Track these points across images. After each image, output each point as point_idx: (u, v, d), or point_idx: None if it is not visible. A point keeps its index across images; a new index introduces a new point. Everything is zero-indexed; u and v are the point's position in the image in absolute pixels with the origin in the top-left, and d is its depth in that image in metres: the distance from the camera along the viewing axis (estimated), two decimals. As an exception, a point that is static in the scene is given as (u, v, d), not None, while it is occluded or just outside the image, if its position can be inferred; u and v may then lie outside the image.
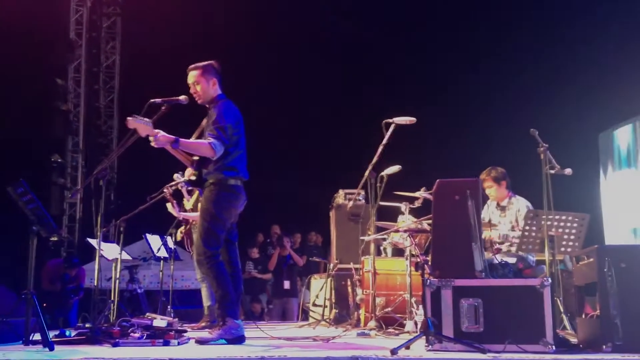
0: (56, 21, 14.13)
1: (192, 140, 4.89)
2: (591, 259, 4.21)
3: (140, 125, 4.66)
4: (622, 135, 10.86)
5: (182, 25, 12.88)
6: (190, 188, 7.45)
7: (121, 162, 13.98)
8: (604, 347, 3.83)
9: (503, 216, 6.38)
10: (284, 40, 13.23)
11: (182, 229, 7.42)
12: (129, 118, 4.68)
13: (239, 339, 4.65)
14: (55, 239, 12.32)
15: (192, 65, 5.06)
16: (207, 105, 5.00)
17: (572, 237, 5.33)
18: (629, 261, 3.98)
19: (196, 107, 5.07)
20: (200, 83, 4.97)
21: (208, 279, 4.81)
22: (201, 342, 4.60)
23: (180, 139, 4.72)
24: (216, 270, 4.73)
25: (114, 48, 15.04)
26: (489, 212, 6.46)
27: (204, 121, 5.02)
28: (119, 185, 14.33)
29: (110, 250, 8.19)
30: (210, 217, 4.78)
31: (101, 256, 6.02)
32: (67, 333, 4.76)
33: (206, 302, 7.16)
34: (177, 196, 7.38)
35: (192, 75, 5.02)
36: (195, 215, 7.15)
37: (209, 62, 5.09)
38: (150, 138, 4.67)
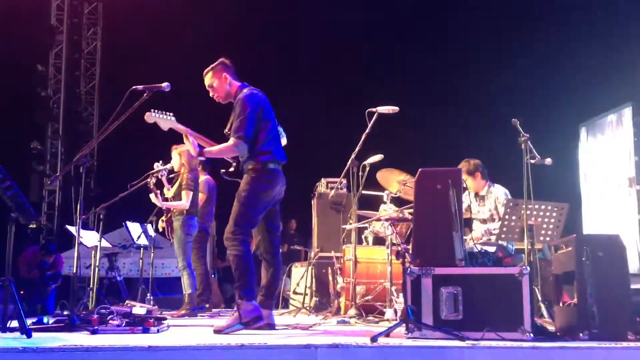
0: (37, 6, 13.96)
1: (215, 148, 4.89)
2: (569, 248, 4.24)
3: (160, 119, 4.83)
4: (603, 125, 10.94)
5: (164, 11, 12.77)
6: (171, 176, 7.42)
7: (101, 149, 13.86)
8: (581, 334, 3.86)
9: (482, 205, 6.43)
10: (266, 28, 13.19)
11: (163, 217, 7.39)
12: (147, 113, 4.80)
13: (256, 319, 4.61)
14: (34, 226, 12.21)
15: (205, 70, 5.07)
16: (232, 101, 5.01)
17: (551, 226, 5.38)
18: (606, 250, 4.01)
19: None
20: (213, 84, 5.01)
21: (230, 258, 4.81)
22: (218, 331, 4.50)
23: (205, 149, 4.85)
24: (240, 250, 4.73)
25: (95, 34, 14.91)
26: (467, 200, 6.50)
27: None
28: (98, 172, 14.23)
29: (90, 238, 8.14)
30: (243, 200, 4.78)
31: (80, 243, 5.98)
32: (45, 320, 4.72)
33: (187, 289, 7.14)
34: (158, 186, 7.35)
35: (206, 80, 5.06)
36: (177, 204, 7.14)
37: (218, 61, 5.06)
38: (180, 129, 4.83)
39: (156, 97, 4.76)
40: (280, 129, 5.23)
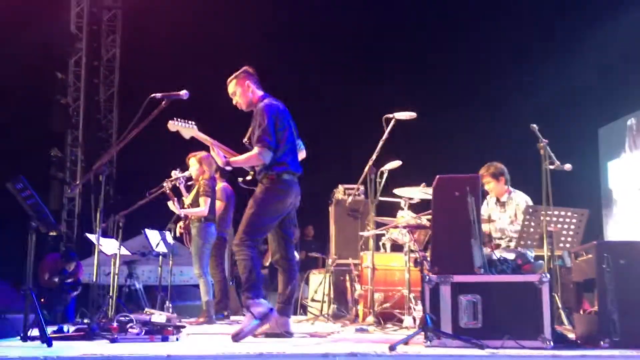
0: (57, 14, 14.09)
1: (241, 157, 4.94)
2: (590, 255, 4.20)
3: (182, 128, 4.97)
4: (621, 129, 10.85)
5: (183, 18, 12.84)
6: (189, 183, 7.45)
7: (121, 157, 13.96)
8: (602, 343, 3.83)
9: (503, 211, 6.38)
10: (284, 34, 13.21)
11: (180, 223, 7.42)
12: (170, 121, 4.94)
13: (267, 315, 4.67)
14: (54, 233, 12.32)
15: (229, 79, 5.14)
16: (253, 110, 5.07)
17: (570, 232, 5.33)
18: (628, 257, 3.98)
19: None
20: (236, 93, 5.09)
21: (238, 263, 4.88)
22: (235, 336, 4.56)
23: (231, 159, 4.93)
24: (247, 254, 4.80)
25: (114, 41, 14.99)
26: (488, 208, 6.45)
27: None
28: (118, 180, 14.31)
29: (109, 246, 8.19)
30: (255, 208, 4.86)
31: (100, 251, 6.02)
32: (65, 329, 4.75)
33: (204, 297, 7.15)
34: (176, 193, 7.39)
35: (229, 88, 5.13)
36: (195, 211, 7.17)
37: (242, 69, 5.13)
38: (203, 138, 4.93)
39: (175, 105, 4.80)
40: (300, 142, 5.25)
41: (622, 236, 10.15)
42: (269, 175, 4.89)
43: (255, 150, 4.84)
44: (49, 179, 13.60)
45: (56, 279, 9.72)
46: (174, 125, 4.98)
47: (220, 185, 7.70)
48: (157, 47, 12.86)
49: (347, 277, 7.46)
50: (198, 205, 7.19)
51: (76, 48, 14.44)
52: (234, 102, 5.14)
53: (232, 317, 7.91)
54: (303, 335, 5.05)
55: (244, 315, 8.45)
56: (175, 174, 7.29)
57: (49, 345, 3.92)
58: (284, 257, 5.04)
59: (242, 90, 5.06)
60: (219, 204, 7.52)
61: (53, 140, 13.99)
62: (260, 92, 5.09)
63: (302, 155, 5.30)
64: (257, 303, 4.71)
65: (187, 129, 5.02)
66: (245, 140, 5.06)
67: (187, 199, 7.32)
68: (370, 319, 6.05)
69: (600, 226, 10.88)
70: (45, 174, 13.53)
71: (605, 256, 3.96)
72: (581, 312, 4.39)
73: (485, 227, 6.09)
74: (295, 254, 8.20)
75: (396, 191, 6.40)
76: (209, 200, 7.19)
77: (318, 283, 8.02)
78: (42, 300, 8.32)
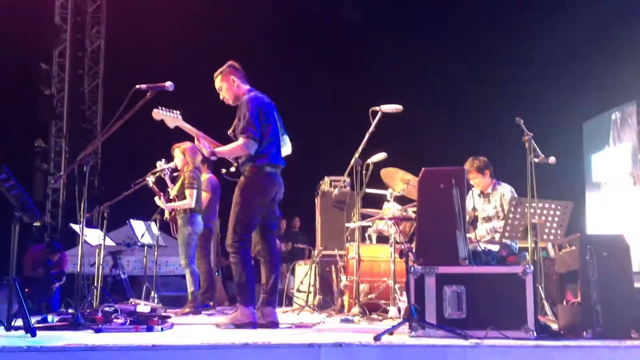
0: (41, 5, 13.97)
1: (226, 148, 4.96)
2: (573, 247, 4.24)
3: (167, 117, 4.97)
4: (605, 123, 10.92)
5: (168, 10, 12.77)
6: (175, 174, 7.43)
7: (105, 148, 13.89)
8: (585, 333, 3.87)
9: (487, 203, 6.42)
10: (269, 25, 13.18)
11: (167, 214, 7.41)
12: (154, 110, 4.93)
13: (248, 325, 4.72)
14: (39, 224, 12.24)
15: (215, 73, 5.16)
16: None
17: (555, 225, 5.36)
18: (610, 250, 4.03)
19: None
20: (222, 88, 5.11)
21: (232, 265, 4.94)
22: (217, 326, 4.77)
23: (216, 150, 4.94)
24: (238, 257, 4.88)
25: (99, 33, 14.90)
26: (471, 200, 6.49)
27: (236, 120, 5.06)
28: (102, 171, 14.24)
29: (94, 236, 8.16)
30: (239, 204, 4.90)
31: (84, 242, 5.99)
32: (50, 319, 4.73)
33: (190, 287, 7.15)
34: (161, 184, 7.37)
35: (215, 83, 5.16)
36: (181, 204, 7.15)
37: (227, 64, 5.14)
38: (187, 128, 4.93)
39: (160, 96, 4.78)
40: (286, 137, 5.26)
41: (605, 228, 10.24)
42: (251, 167, 4.91)
43: (240, 141, 4.85)
44: (33, 169, 13.51)
45: (40, 270, 9.65)
46: (158, 113, 4.98)
47: (206, 176, 7.68)
48: (141, 39, 12.78)
49: (333, 268, 7.48)
50: (184, 197, 7.17)
51: (60, 39, 14.32)
52: (220, 97, 5.16)
53: (218, 307, 7.91)
54: (289, 326, 5.06)
55: (229, 305, 8.50)
56: (160, 164, 7.26)
57: (33, 335, 3.91)
58: (266, 249, 5.08)
59: (227, 86, 5.09)
60: (204, 195, 7.51)
61: (37, 131, 13.90)
62: (245, 86, 5.11)
63: (288, 150, 5.30)
64: (242, 310, 4.79)
65: (172, 118, 5.02)
66: (230, 132, 5.06)
67: (173, 190, 7.29)
68: (356, 309, 6.07)
69: (584, 218, 10.96)
70: (30, 164, 13.44)
71: (589, 248, 4.00)
72: (564, 303, 4.44)
73: (473, 235, 6.16)
74: (279, 244, 8.21)
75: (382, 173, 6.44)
76: (194, 192, 7.18)
77: (304, 274, 8.03)
78: (26, 290, 8.27)
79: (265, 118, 4.92)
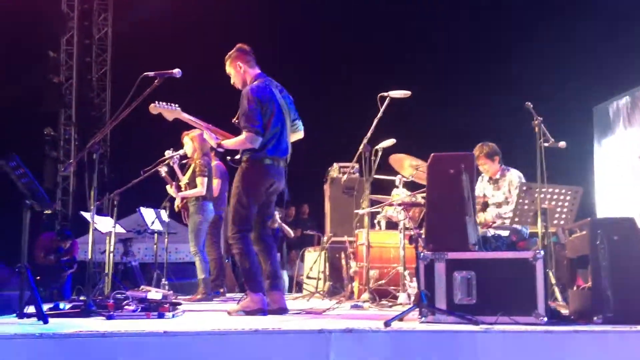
0: (48, -7, 13.96)
1: (232, 141, 4.92)
2: (584, 232, 4.22)
3: (164, 110, 4.96)
4: (616, 108, 10.86)
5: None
6: (184, 162, 7.44)
7: (114, 135, 13.92)
8: (595, 318, 3.86)
9: (496, 189, 6.41)
10: (278, 12, 13.13)
11: (178, 202, 7.44)
12: (151, 105, 4.93)
13: (258, 311, 4.72)
14: (49, 212, 12.30)
15: (225, 57, 5.13)
16: None
17: (565, 209, 5.34)
18: (621, 234, 3.99)
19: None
20: (231, 74, 5.09)
21: (235, 255, 5.00)
22: (227, 313, 4.81)
23: (223, 142, 4.93)
24: (240, 248, 4.88)
25: (106, 20, 14.88)
26: (482, 185, 6.48)
27: None
28: (112, 158, 14.28)
29: (104, 224, 8.19)
30: (236, 196, 4.91)
31: (95, 229, 6.02)
32: (62, 306, 4.76)
33: (200, 274, 7.18)
34: (171, 174, 7.39)
35: (226, 68, 5.13)
36: (192, 192, 7.18)
37: (235, 48, 5.09)
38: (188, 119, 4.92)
39: (168, 83, 4.77)
40: (298, 122, 5.18)
41: (615, 212, 10.20)
42: (247, 159, 4.89)
43: (243, 135, 4.83)
44: (43, 157, 13.56)
45: (52, 257, 9.72)
46: (155, 108, 4.97)
47: (214, 163, 7.69)
48: (149, 25, 12.76)
49: (343, 255, 7.48)
50: (195, 186, 7.19)
51: (68, 27, 14.32)
52: (231, 82, 5.13)
53: (228, 295, 7.95)
54: (298, 312, 5.08)
55: (239, 292, 8.54)
56: (168, 153, 7.28)
57: (45, 322, 3.94)
58: (258, 237, 5.03)
59: (235, 72, 5.07)
60: (215, 182, 7.52)
61: (46, 119, 13.93)
62: (253, 72, 5.04)
63: (299, 135, 5.26)
64: (252, 297, 4.79)
65: (170, 111, 5.00)
66: (234, 120, 5.03)
67: (184, 179, 7.32)
68: (366, 295, 6.08)
69: (594, 203, 10.93)
70: (39, 152, 13.49)
71: (599, 233, 3.98)
72: (575, 288, 4.42)
73: (482, 217, 6.15)
74: (288, 230, 8.18)
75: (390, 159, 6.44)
76: (205, 180, 7.20)
77: (313, 260, 8.05)
78: (38, 278, 8.33)
79: (265, 109, 4.85)
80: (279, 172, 4.97)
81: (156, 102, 4.97)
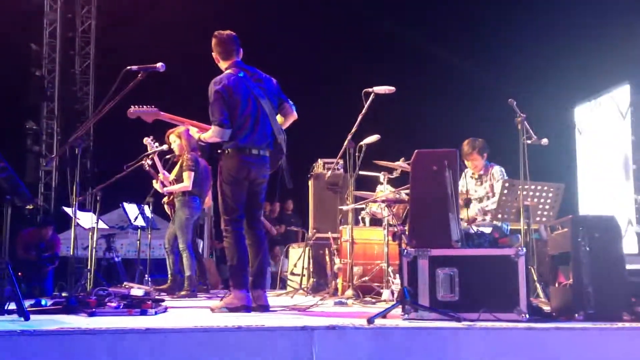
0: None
1: (206, 134, 4.91)
2: (565, 229, 4.26)
3: (143, 113, 5.01)
4: (599, 105, 10.92)
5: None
6: (167, 157, 7.41)
7: (97, 129, 13.80)
8: (577, 315, 3.89)
9: (479, 185, 6.45)
10: (262, 7, 13.08)
11: (165, 199, 7.41)
12: (128, 110, 4.98)
13: (241, 308, 4.70)
14: (31, 207, 12.19)
15: None
16: None
17: (547, 206, 5.39)
18: (602, 231, 4.03)
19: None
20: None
21: (225, 248, 5.00)
22: (210, 309, 4.79)
23: (201, 136, 4.96)
24: (231, 240, 4.89)
25: (90, 12, 14.73)
26: (464, 182, 6.51)
27: None
28: (95, 153, 14.17)
29: (87, 219, 8.14)
30: (219, 187, 4.96)
31: (77, 225, 5.98)
32: (43, 302, 4.72)
33: (186, 271, 7.16)
34: (155, 169, 7.35)
35: None
36: (179, 187, 7.15)
37: (213, 36, 5.07)
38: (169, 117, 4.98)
39: (151, 77, 4.74)
40: (286, 104, 5.09)
41: (597, 210, 10.28)
42: (222, 152, 4.91)
43: (212, 128, 4.84)
44: (25, 151, 13.43)
45: (33, 253, 9.64)
46: (134, 112, 5.02)
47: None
48: (133, 18, 12.67)
49: (327, 251, 7.49)
50: (182, 181, 7.16)
51: (50, 19, 14.17)
52: None
53: (212, 291, 7.93)
54: (282, 309, 5.08)
55: (223, 289, 8.53)
56: (147, 141, 7.23)
57: (27, 318, 3.90)
58: (249, 232, 5.02)
59: (217, 63, 5.09)
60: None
61: (28, 112, 13.79)
62: (226, 62, 5.02)
63: (291, 117, 5.16)
64: (235, 294, 4.78)
65: (149, 114, 5.05)
66: None
67: (171, 174, 7.29)
68: (349, 292, 6.09)
69: (576, 200, 11.00)
70: (21, 146, 13.36)
71: (581, 230, 4.01)
72: (556, 285, 4.46)
73: (465, 213, 6.17)
74: (271, 227, 8.14)
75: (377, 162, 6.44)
76: (192, 174, 7.16)
77: (297, 257, 8.05)
78: (19, 273, 8.26)
79: (230, 99, 4.81)
80: (258, 160, 4.91)
81: (132, 106, 5.00)
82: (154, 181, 7.26)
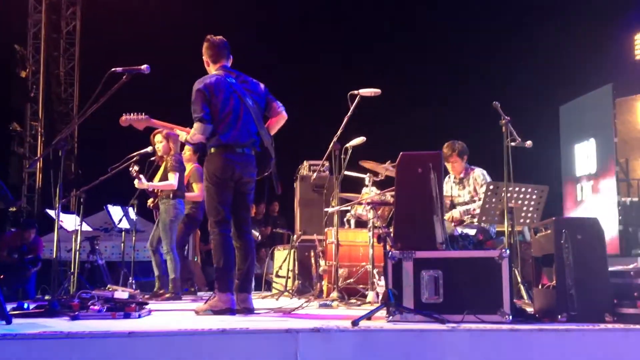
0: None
1: (190, 134, 4.91)
2: (549, 231, 4.28)
3: (134, 120, 5.11)
4: (582, 107, 11.00)
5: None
6: (152, 159, 7.37)
7: (82, 131, 13.72)
8: (560, 317, 3.91)
9: (461, 189, 6.47)
10: (246, 9, 13.07)
11: (150, 201, 7.37)
12: (121, 118, 5.10)
13: (226, 311, 4.68)
14: (14, 209, 12.10)
15: None
16: None
17: (531, 208, 5.42)
18: (585, 233, 4.05)
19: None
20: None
21: (212, 249, 4.98)
22: (195, 312, 4.80)
23: (187, 137, 4.98)
24: (217, 241, 4.87)
25: (75, 14, 14.66)
26: (448, 186, 6.54)
27: None
28: (79, 155, 14.09)
29: (70, 222, 8.08)
30: (205, 188, 4.97)
31: (60, 227, 5.93)
32: (26, 306, 4.68)
33: (171, 274, 7.13)
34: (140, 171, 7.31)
35: None
36: (164, 184, 7.13)
37: (204, 39, 5.08)
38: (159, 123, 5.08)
39: (136, 79, 4.72)
40: (274, 104, 5.09)
41: (580, 212, 10.35)
42: (208, 151, 4.92)
43: (194, 125, 4.85)
44: (9, 153, 13.34)
45: (16, 256, 9.56)
46: (126, 120, 5.11)
47: (193, 165, 7.64)
48: (118, 19, 12.62)
49: (312, 253, 7.49)
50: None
51: (35, 20, 14.08)
52: None
53: (198, 293, 7.90)
54: (267, 311, 5.07)
55: (208, 291, 8.50)
56: (133, 170, 7.12)
57: (9, 322, 3.86)
58: (238, 235, 4.99)
59: (207, 67, 5.09)
60: (199, 186, 7.43)
61: (12, 114, 13.70)
62: (214, 66, 5.03)
63: (281, 117, 5.14)
64: (220, 297, 4.76)
65: (140, 121, 5.12)
66: None
67: (156, 176, 7.27)
68: (334, 294, 6.09)
69: (560, 203, 11.08)
70: (5, 148, 13.26)
71: (564, 232, 4.03)
72: (540, 286, 4.48)
73: (449, 215, 6.20)
74: (255, 232, 8.16)
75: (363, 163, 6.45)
76: (177, 175, 7.14)
77: (283, 259, 8.04)
78: (1, 276, 8.20)
79: (211, 97, 4.81)
80: (242, 159, 4.87)
81: (124, 114, 5.10)
82: (136, 181, 7.20)
